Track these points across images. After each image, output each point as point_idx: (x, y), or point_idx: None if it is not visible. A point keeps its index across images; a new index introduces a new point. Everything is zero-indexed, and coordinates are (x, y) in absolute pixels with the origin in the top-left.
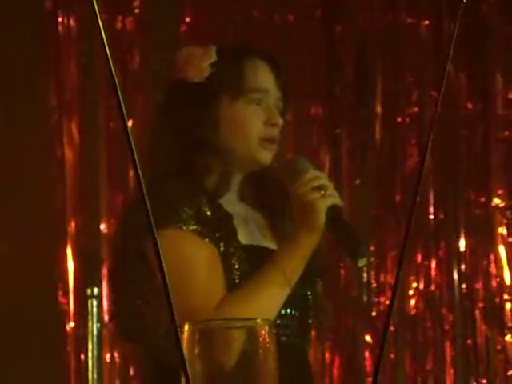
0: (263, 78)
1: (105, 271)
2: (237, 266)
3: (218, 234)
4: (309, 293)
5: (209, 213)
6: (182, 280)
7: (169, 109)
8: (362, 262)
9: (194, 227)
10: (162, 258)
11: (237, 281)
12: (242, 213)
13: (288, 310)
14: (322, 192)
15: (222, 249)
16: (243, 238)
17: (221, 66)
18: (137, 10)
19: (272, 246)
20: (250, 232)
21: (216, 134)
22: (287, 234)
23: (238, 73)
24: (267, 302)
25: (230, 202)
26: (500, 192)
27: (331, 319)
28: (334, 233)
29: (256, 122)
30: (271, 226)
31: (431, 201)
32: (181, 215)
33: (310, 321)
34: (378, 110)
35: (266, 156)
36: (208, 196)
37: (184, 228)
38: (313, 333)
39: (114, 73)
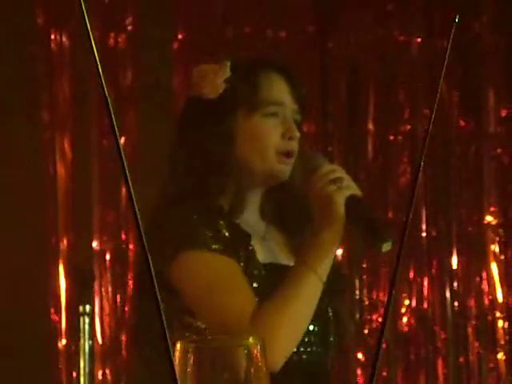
0: (278, 90)
1: (97, 288)
2: (256, 286)
3: (237, 254)
4: (329, 308)
5: (227, 234)
6: (211, 298)
7: (185, 126)
8: (386, 247)
9: (216, 246)
10: (152, 273)
11: (257, 299)
12: (261, 230)
13: (309, 327)
14: (339, 184)
15: (242, 268)
16: (261, 256)
17: (235, 81)
18: (129, 27)
19: (291, 262)
20: (268, 250)
21: (233, 150)
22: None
23: (253, 87)
24: (303, 301)
25: (249, 220)
26: (492, 209)
27: (353, 334)
28: (355, 223)
29: (273, 135)
30: (289, 243)
31: (424, 218)
32: (201, 237)
33: (331, 338)
34: (370, 127)
35: (283, 170)
36: (225, 217)
37: (205, 248)
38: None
39: (105, 90)
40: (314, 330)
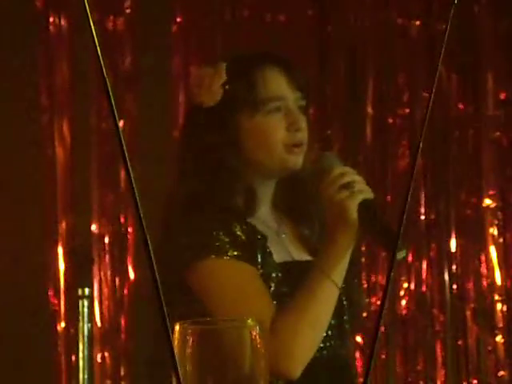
0: (276, 85)
1: (96, 271)
2: (273, 288)
3: (254, 257)
4: (344, 298)
5: (244, 237)
6: (231, 307)
7: (189, 133)
8: (400, 255)
9: (233, 253)
10: (151, 256)
11: (274, 302)
12: (275, 225)
13: None
14: (351, 190)
15: (260, 271)
16: (277, 255)
17: (232, 84)
18: (128, 10)
19: (306, 257)
20: (283, 247)
21: (240, 152)
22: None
23: (250, 87)
24: (321, 308)
25: (263, 215)
26: (491, 192)
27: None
28: (368, 229)
29: (278, 130)
30: (302, 234)
31: (422, 201)
32: (218, 244)
33: (346, 325)
34: (370, 110)
35: (294, 160)
36: (240, 219)
37: (222, 255)
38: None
39: (105, 73)
40: (331, 322)
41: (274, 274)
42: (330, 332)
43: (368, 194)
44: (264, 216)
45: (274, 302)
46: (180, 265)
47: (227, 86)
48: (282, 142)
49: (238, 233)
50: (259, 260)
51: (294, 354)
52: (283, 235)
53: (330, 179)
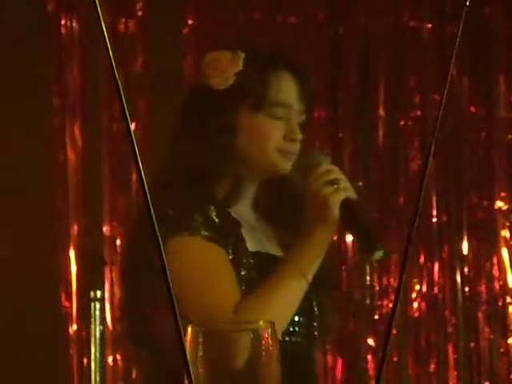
0: (287, 92)
1: (108, 274)
2: (243, 273)
3: (226, 241)
4: (314, 302)
5: (217, 220)
6: (197, 286)
7: (189, 113)
8: (378, 255)
9: (205, 233)
10: (164, 262)
11: (243, 288)
12: (251, 221)
13: (295, 317)
14: (336, 186)
15: (230, 256)
16: (250, 245)
17: (246, 75)
18: (140, 13)
19: (279, 253)
20: (257, 240)
21: (234, 142)
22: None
23: (263, 85)
24: (286, 298)
25: (240, 210)
26: (503, 195)
27: (335, 330)
28: (349, 227)
29: (275, 136)
30: (278, 236)
31: (434, 204)
32: (191, 222)
33: (315, 332)
34: (381, 113)
35: (284, 165)
36: (217, 204)
37: (195, 234)
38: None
39: (116, 75)
40: (299, 320)
41: (244, 260)
42: (297, 328)
43: (351, 193)
44: (242, 211)
45: (243, 288)
46: (151, 240)
47: (241, 75)
48: (276, 148)
49: (212, 215)
50: (231, 245)
51: None
52: (258, 230)
53: (317, 174)
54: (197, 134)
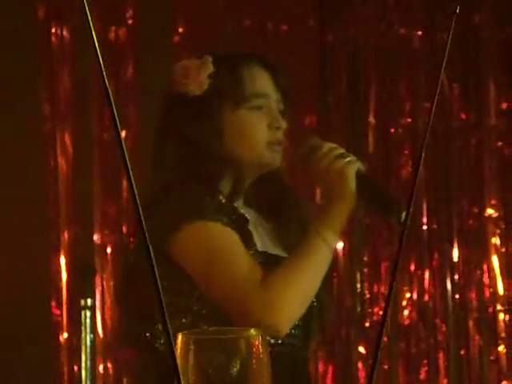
0: (262, 83)
1: (98, 282)
2: None
3: (239, 233)
4: (314, 302)
5: (229, 212)
6: (223, 266)
7: (170, 123)
8: (404, 216)
9: (220, 217)
10: (153, 263)
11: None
12: (252, 218)
13: None
14: (346, 159)
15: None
16: (257, 242)
17: (219, 76)
18: (130, 21)
19: (280, 253)
20: (260, 238)
21: (221, 144)
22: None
23: (237, 81)
24: (315, 270)
25: (241, 208)
26: (493, 202)
27: (332, 324)
28: (366, 196)
29: (260, 127)
30: (277, 232)
31: (424, 211)
32: (204, 209)
33: (313, 330)
34: (371, 120)
35: (273, 158)
36: (225, 196)
37: (212, 219)
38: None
39: (107, 83)
40: (297, 323)
41: (253, 256)
42: (293, 331)
43: (360, 164)
44: (242, 208)
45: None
46: (162, 230)
47: (214, 78)
48: (264, 139)
49: (225, 204)
50: (241, 238)
51: (284, 310)
52: (259, 228)
53: (323, 152)
54: (183, 140)
